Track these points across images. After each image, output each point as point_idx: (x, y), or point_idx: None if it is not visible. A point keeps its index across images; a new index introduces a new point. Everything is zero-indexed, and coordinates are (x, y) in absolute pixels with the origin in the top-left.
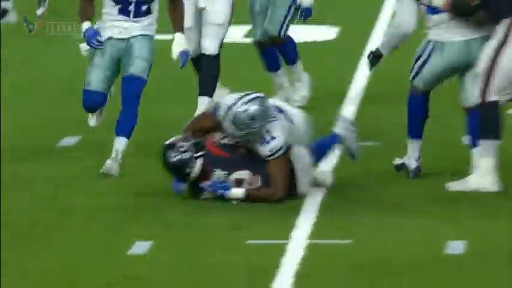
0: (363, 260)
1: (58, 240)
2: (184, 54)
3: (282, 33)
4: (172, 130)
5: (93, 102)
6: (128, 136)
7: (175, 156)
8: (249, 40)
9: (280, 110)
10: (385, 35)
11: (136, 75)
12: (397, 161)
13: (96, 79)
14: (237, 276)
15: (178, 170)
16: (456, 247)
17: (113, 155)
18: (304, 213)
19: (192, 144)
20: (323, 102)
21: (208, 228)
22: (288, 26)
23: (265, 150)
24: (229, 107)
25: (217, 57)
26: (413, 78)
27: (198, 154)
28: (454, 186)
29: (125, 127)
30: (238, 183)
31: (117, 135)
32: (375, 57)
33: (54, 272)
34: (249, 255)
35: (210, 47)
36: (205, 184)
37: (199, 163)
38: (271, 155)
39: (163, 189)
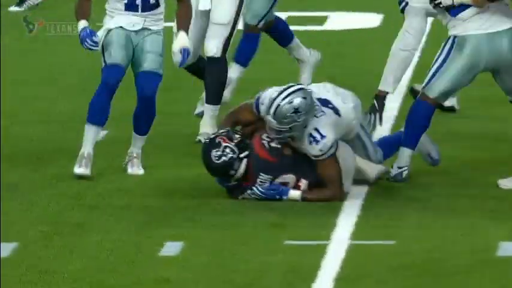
0: (407, 262)
1: (85, 240)
2: (185, 51)
3: (260, 24)
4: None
5: (116, 76)
6: (147, 134)
7: (220, 156)
8: None
9: (326, 103)
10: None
11: (152, 70)
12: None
13: (117, 54)
14: (274, 279)
15: (222, 171)
16: (509, 248)
17: (134, 154)
18: (345, 213)
19: (236, 143)
20: (367, 93)
21: (244, 228)
22: (267, 17)
23: (315, 149)
24: (272, 100)
25: (221, 60)
26: (425, 85)
27: (243, 155)
28: (505, 183)
29: (144, 126)
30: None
31: (138, 133)
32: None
33: (79, 272)
34: (287, 256)
35: (211, 47)
36: (257, 190)
37: (244, 165)
38: (322, 154)
39: (194, 186)
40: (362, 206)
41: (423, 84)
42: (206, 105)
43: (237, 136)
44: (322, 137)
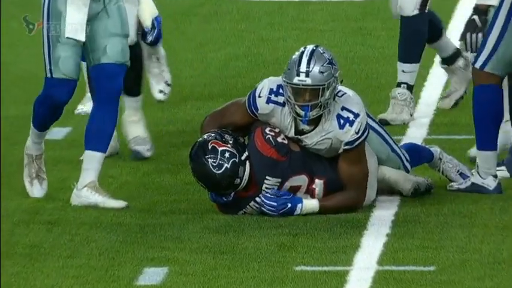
0: None
1: (42, 266)
2: (157, 21)
3: None
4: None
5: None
6: (106, 150)
7: (221, 165)
8: None
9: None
10: None
11: (112, 62)
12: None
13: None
14: None
15: (226, 183)
16: None
17: (90, 184)
18: (371, 231)
19: (232, 144)
20: None
21: (244, 251)
22: None
23: (349, 133)
24: (299, 56)
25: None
26: (482, 66)
27: (245, 156)
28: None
29: (101, 138)
30: (292, 190)
31: (92, 149)
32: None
33: None
34: (298, 286)
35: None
36: (265, 200)
37: (247, 169)
38: (357, 139)
39: (180, 198)
40: (392, 223)
41: (478, 64)
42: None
43: (229, 136)
44: (356, 115)
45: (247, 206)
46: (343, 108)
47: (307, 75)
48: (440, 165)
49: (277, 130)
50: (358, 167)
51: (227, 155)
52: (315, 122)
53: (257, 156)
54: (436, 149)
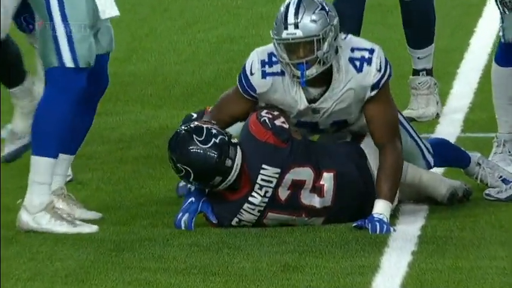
0: None
1: None
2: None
3: None
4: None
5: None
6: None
7: (207, 141)
8: None
9: None
10: None
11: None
12: None
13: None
14: None
15: (216, 163)
16: None
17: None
18: (393, 248)
19: (222, 130)
20: None
21: (241, 273)
22: None
23: (371, 73)
24: (286, 8)
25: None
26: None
27: (235, 140)
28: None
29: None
30: (296, 187)
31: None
32: None
33: None
34: None
35: None
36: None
37: (239, 154)
38: (383, 75)
39: (163, 211)
40: (419, 238)
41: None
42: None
43: (217, 127)
44: (370, 51)
45: (242, 211)
46: (353, 50)
47: (296, 27)
48: (478, 171)
49: (275, 113)
50: (391, 111)
51: (214, 131)
52: (324, 81)
53: (251, 142)
54: (476, 154)
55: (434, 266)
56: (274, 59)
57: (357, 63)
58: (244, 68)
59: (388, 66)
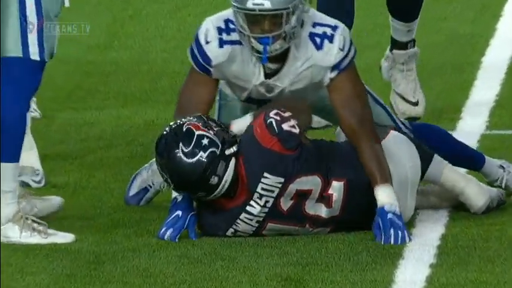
0: None
1: None
2: None
3: None
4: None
5: None
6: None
7: (193, 153)
8: None
9: None
10: None
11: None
12: None
13: None
14: None
15: (197, 180)
16: None
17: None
18: (409, 260)
19: (219, 131)
20: None
21: (237, 286)
22: None
23: (331, 52)
24: None
25: None
26: None
27: (230, 151)
28: None
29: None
30: (300, 197)
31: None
32: None
33: None
34: None
35: None
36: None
37: (231, 167)
38: (346, 55)
39: (149, 218)
40: (438, 249)
41: None
42: None
43: (215, 124)
44: (333, 27)
45: (238, 221)
46: (314, 25)
47: None
48: (503, 175)
49: (285, 114)
50: (359, 100)
51: (205, 142)
52: (281, 57)
53: (254, 147)
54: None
55: (455, 280)
56: (232, 26)
57: (318, 40)
58: (196, 37)
59: (353, 48)
